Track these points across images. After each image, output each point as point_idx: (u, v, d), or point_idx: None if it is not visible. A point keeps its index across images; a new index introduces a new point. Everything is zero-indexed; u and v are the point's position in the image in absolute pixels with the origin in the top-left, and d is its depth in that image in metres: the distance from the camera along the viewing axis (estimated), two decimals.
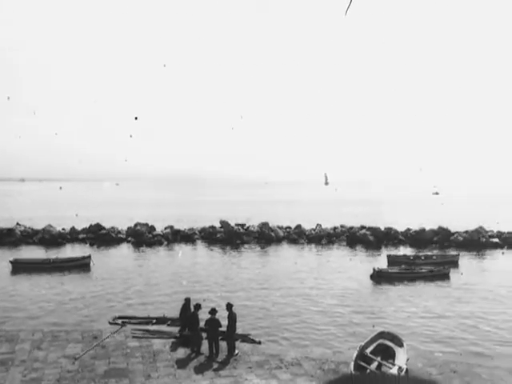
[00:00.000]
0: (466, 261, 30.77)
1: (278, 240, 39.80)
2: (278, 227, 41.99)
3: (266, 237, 39.89)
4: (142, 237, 38.26)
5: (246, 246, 37.55)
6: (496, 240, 37.03)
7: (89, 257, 28.98)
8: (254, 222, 43.01)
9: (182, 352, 13.65)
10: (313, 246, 37.91)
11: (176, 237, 39.68)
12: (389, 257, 30.32)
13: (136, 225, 40.18)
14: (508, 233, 38.34)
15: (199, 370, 12.42)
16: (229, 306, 13.91)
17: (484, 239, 36.98)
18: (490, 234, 38.13)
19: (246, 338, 14.95)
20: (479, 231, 37.65)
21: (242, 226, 41.85)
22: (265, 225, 41.06)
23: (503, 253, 34.16)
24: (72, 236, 39.29)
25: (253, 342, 14.81)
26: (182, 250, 35.18)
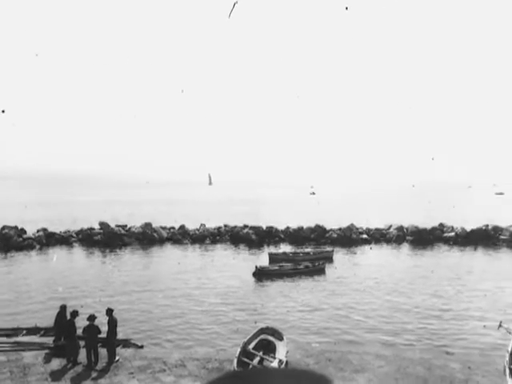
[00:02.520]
0: (340, 256, 33.04)
1: (161, 241, 39.08)
2: (162, 227, 41.23)
3: (148, 238, 38.93)
4: (10, 241, 34.99)
5: (127, 247, 36.28)
6: (365, 236, 40.27)
7: None
8: (136, 223, 41.72)
9: (56, 363, 12.75)
10: (197, 245, 37.87)
11: (50, 240, 36.96)
12: (270, 254, 31.40)
13: (3, 228, 36.64)
14: (375, 229, 41.91)
15: (76, 380, 11.72)
16: (109, 311, 13.32)
17: (355, 235, 40.00)
18: (360, 230, 41.33)
19: (127, 343, 14.45)
20: (351, 228, 40.63)
21: (123, 227, 40.36)
22: (147, 225, 40.05)
23: (371, 248, 37.28)
24: None
25: (135, 346, 14.37)
26: (56, 254, 32.86)
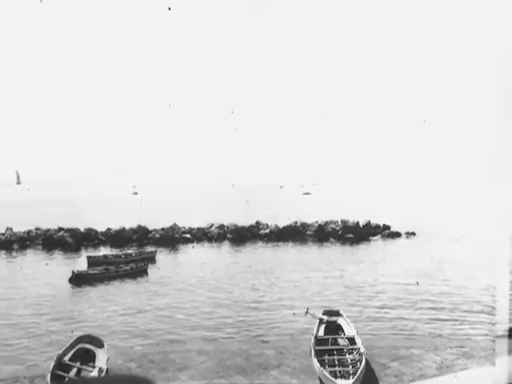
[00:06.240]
0: (163, 256, 32.98)
1: None
2: None
3: None
4: None
5: None
6: (188, 235, 40.95)
7: None
8: None
9: None
10: (2, 252, 33.83)
11: None
12: (89, 258, 29.81)
13: None
14: (198, 228, 42.88)
15: None
16: None
17: (178, 235, 40.37)
18: (182, 230, 41.85)
19: None
20: (173, 228, 40.89)
21: None
22: None
23: (193, 247, 38.05)
24: None
25: None
26: None
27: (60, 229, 38.66)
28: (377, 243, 39.95)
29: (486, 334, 15.51)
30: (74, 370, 12.01)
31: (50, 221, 45.97)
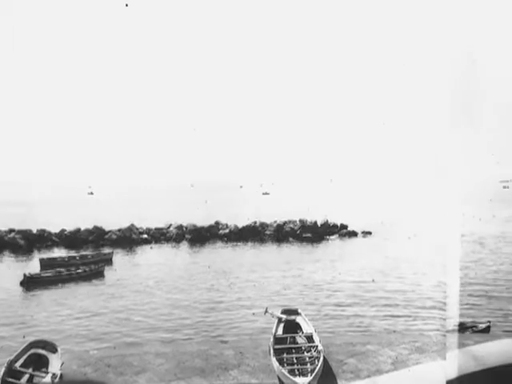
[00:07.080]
0: (120, 257, 32.37)
1: None
2: None
3: None
4: None
5: None
6: (145, 236, 40.36)
7: None
8: None
9: None
10: None
11: None
12: (42, 260, 28.92)
13: None
14: (155, 229, 42.33)
15: None
16: None
17: (135, 236, 39.72)
18: (140, 230, 41.21)
19: None
20: (131, 228, 40.20)
21: None
22: None
23: (152, 247, 37.54)
24: None
25: None
26: None
27: (11, 230, 37.29)
28: (334, 242, 40.67)
29: (438, 329, 16.11)
30: (26, 377, 11.61)
31: (1, 222, 44.18)
